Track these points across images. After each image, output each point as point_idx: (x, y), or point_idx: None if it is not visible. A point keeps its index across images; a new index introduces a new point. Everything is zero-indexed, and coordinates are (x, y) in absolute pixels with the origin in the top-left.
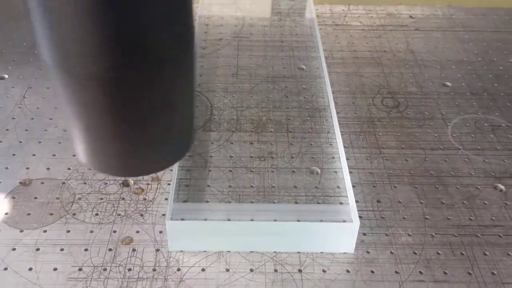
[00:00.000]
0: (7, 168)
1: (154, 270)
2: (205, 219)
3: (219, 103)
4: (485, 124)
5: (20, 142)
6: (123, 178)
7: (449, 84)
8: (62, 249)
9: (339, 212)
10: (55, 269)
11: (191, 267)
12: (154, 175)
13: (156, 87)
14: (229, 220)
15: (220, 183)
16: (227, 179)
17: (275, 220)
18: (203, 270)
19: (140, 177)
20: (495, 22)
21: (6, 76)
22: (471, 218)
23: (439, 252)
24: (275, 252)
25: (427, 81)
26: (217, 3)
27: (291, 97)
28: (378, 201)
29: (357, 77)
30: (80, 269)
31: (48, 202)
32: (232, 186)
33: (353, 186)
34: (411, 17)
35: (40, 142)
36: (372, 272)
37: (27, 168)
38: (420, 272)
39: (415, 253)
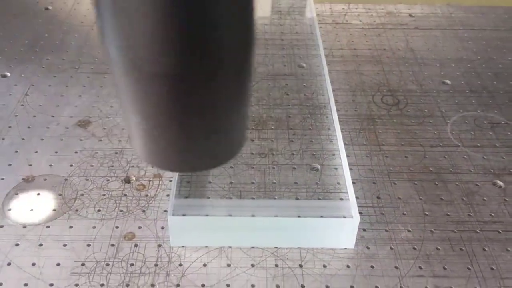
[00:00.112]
0: (10, 165)
1: (156, 265)
2: (207, 215)
3: None
4: (484, 122)
5: (23, 139)
6: (125, 175)
7: (448, 82)
8: (65, 245)
9: (339, 208)
10: (58, 264)
11: (192, 262)
12: (156, 171)
13: (219, 85)
14: (230, 216)
15: (221, 179)
16: (228, 176)
17: (276, 216)
18: (204, 265)
19: (142, 174)
20: (494, 20)
21: (8, 74)
22: (470, 214)
23: (439, 247)
24: (276, 247)
25: (426, 79)
26: None
27: (292, 95)
28: (378, 197)
29: (357, 75)
30: (83, 264)
31: (51, 199)
32: (233, 182)
33: (353, 183)
34: (410, 15)
35: (42, 139)
36: (372, 267)
37: (30, 165)
38: (420, 268)
39: (414, 248)
